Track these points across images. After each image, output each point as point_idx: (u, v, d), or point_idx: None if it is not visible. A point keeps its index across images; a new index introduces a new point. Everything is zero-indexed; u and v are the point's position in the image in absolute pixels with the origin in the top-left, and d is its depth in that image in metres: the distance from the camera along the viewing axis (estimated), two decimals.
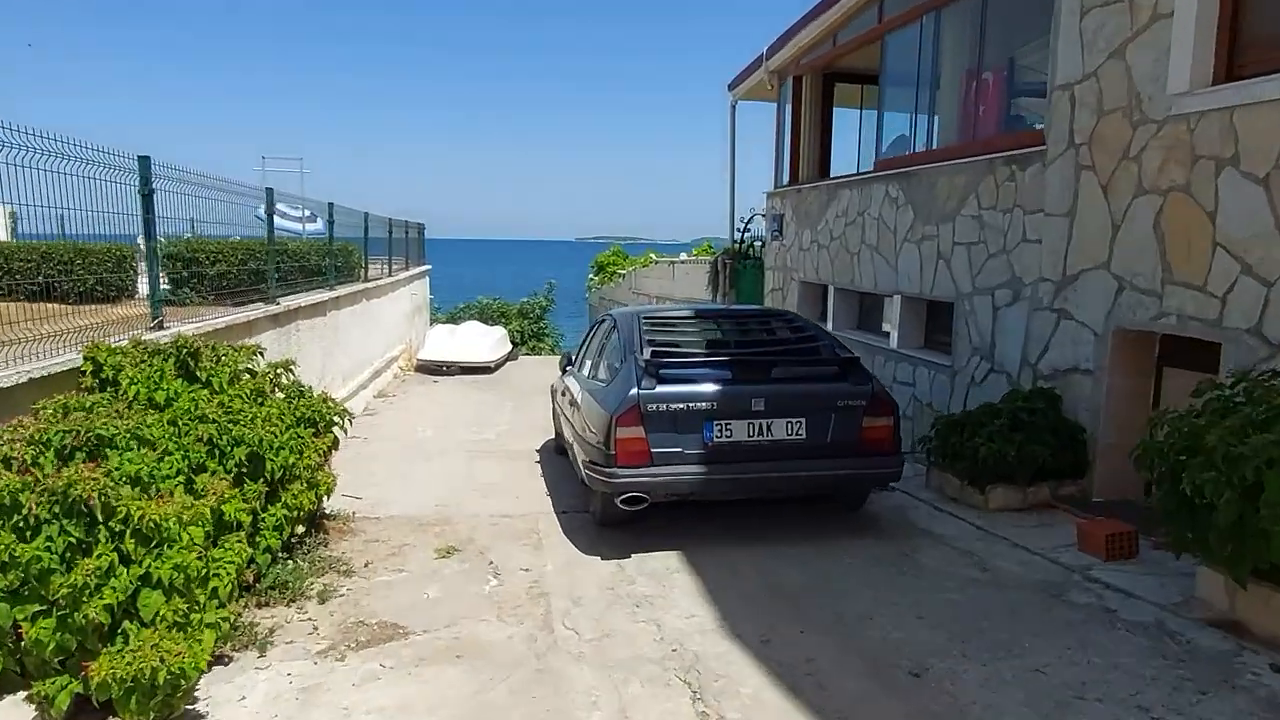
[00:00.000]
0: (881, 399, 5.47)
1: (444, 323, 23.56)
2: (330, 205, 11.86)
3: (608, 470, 5.06)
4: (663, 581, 5.01)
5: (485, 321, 24.05)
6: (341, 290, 11.86)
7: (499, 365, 16.56)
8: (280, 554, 4.98)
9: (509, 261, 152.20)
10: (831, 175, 10.34)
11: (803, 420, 5.17)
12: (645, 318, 6.06)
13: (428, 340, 16.37)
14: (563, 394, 7.52)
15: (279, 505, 4.76)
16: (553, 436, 9.50)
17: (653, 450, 5.01)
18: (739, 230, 13.25)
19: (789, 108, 11.16)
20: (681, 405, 5.02)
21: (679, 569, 5.19)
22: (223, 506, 3.99)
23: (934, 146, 7.97)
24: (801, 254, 10.65)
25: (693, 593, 4.85)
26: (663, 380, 5.11)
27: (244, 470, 4.48)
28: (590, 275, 25.65)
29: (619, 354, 5.74)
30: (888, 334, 8.60)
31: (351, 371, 12.12)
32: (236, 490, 4.30)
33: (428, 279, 23.27)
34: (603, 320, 7.29)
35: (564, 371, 8.07)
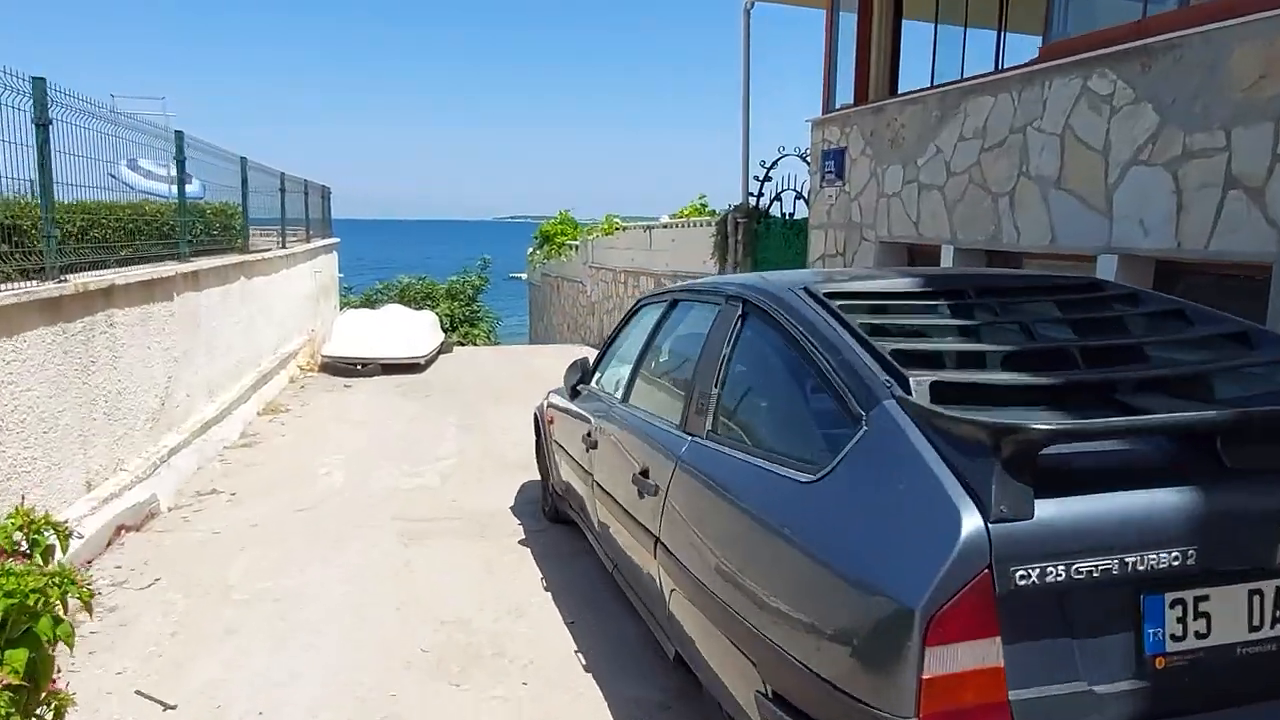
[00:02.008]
0: None
1: (358, 306, 19.59)
2: (178, 135, 8.03)
3: None
4: None
5: (409, 305, 20.16)
6: (202, 263, 8.08)
7: (430, 360, 12.90)
8: None
9: (422, 242, 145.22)
10: (934, 83, 7.06)
11: None
12: (836, 294, 2.62)
13: (337, 330, 12.60)
14: (588, 440, 4.14)
15: None
16: (535, 479, 6.12)
17: (1013, 700, 1.67)
18: (759, 178, 9.91)
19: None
20: (1094, 565, 1.69)
21: None
22: None
23: None
24: (883, 202, 7.37)
25: None
26: (1054, 486, 1.76)
27: None
28: (531, 250, 21.98)
29: (838, 394, 2.15)
30: None
31: (222, 381, 8.36)
32: None
33: (336, 255, 19.29)
34: (674, 301, 3.90)
35: (574, 393, 4.66)
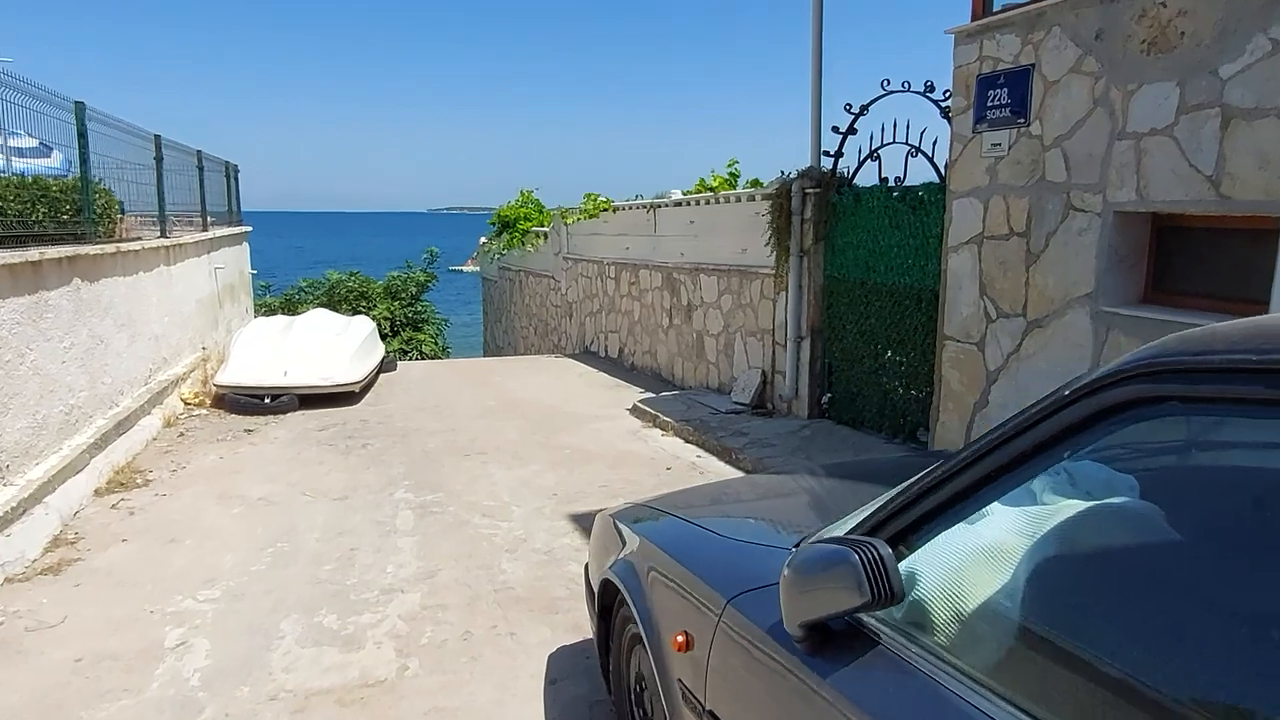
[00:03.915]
0: None
1: (269, 313, 16.01)
2: None
3: None
4: None
5: (337, 308, 16.68)
6: None
7: (367, 386, 9.64)
8: None
9: (349, 236, 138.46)
10: None
11: None
12: None
13: (238, 348, 9.26)
14: None
15: None
16: (572, 637, 3.11)
17: None
18: (840, 130, 6.96)
19: None
20: None
21: None
22: None
23: None
24: (1125, 146, 4.47)
25: None
26: None
27: None
28: (485, 240, 18.64)
29: None
30: None
31: (34, 444, 5.10)
32: None
33: (246, 247, 15.78)
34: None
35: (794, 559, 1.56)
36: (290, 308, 16.95)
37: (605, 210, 11.77)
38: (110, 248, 7.42)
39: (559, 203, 14.20)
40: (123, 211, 9.70)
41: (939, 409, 5.92)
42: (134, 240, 8.22)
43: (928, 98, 6.13)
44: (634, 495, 5.85)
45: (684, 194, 9.88)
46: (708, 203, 9.13)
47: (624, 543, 2.67)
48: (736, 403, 8.15)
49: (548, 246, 14.42)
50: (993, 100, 5.33)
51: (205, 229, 11.98)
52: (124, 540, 4.96)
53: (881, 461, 4.87)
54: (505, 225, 15.91)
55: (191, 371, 9.48)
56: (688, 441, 7.32)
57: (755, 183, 8.44)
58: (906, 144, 6.42)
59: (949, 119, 5.87)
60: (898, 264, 6.47)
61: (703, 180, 9.55)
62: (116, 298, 7.54)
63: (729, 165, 9.14)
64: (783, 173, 7.69)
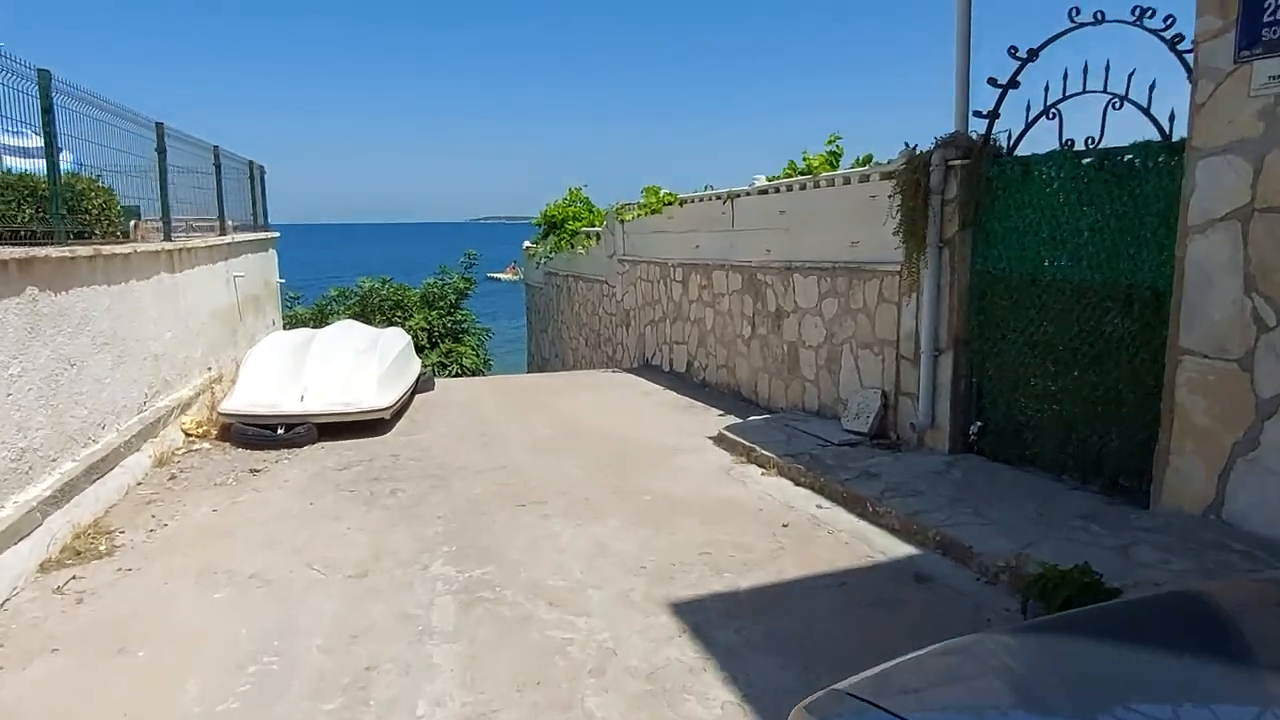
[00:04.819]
0: None
1: (298, 325, 14.69)
2: None
3: None
4: None
5: (371, 318, 15.37)
6: None
7: (399, 411, 8.23)
8: None
9: (387, 246, 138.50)
10: None
11: None
12: None
13: (249, 367, 7.92)
14: None
15: None
16: None
17: None
18: (998, 84, 5.38)
19: None
20: None
21: None
22: None
23: None
24: None
25: None
26: None
27: None
28: (529, 243, 17.24)
29: None
30: None
31: None
32: None
33: (274, 254, 14.56)
34: None
35: None
36: (321, 319, 15.71)
37: (670, 204, 10.26)
38: (85, 250, 6.10)
39: (608, 203, 12.74)
40: (137, 215, 8.46)
41: (1170, 450, 4.31)
42: (119, 243, 6.91)
43: (1142, 27, 4.51)
44: (751, 568, 4.31)
45: (768, 179, 8.33)
46: (803, 188, 7.57)
47: None
48: (850, 431, 6.57)
49: (600, 248, 12.95)
50: (1273, 12, 3.71)
51: (223, 233, 10.74)
52: (54, 650, 3.55)
53: (1238, 589, 2.70)
54: (552, 226, 14.48)
55: (200, 395, 8.17)
56: (798, 484, 5.76)
57: (866, 159, 6.87)
58: (1106, 92, 4.79)
59: (1179, 54, 4.26)
60: (1091, 253, 4.85)
61: (792, 163, 8.01)
62: (95, 310, 6.22)
63: (829, 142, 7.58)
64: (907, 145, 6.11)
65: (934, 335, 5.92)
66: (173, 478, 6.23)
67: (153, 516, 5.36)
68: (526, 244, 17.29)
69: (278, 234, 14.54)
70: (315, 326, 12.86)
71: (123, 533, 5.05)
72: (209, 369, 8.58)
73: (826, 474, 5.63)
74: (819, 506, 5.32)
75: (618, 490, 5.76)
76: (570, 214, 14.20)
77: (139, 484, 6.04)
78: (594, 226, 13.50)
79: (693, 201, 9.74)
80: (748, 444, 6.52)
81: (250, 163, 13.31)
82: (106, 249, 6.40)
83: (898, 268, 6.24)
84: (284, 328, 14.14)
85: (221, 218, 10.91)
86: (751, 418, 7.51)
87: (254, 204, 13.47)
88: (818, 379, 7.42)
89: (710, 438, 7.13)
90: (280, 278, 14.77)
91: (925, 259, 5.86)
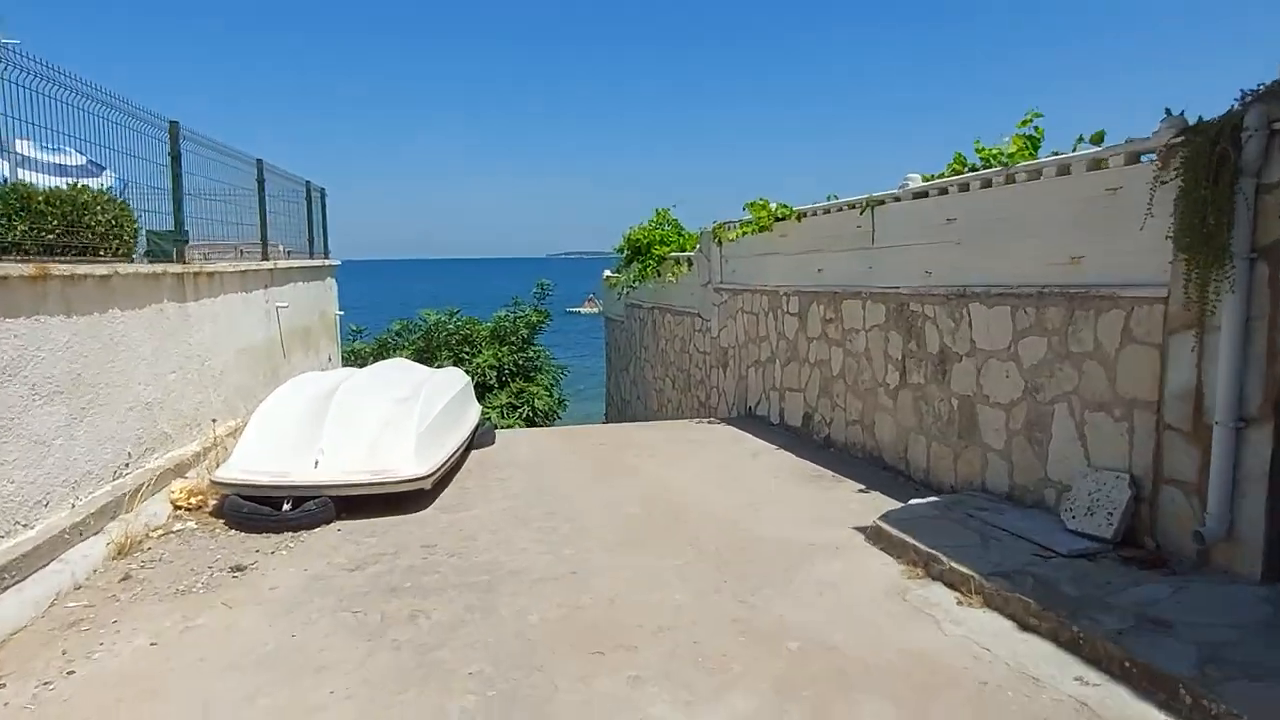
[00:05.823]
0: None
1: (354, 363, 13.15)
2: None
3: None
4: None
5: (435, 355, 13.80)
6: None
7: (447, 475, 6.45)
8: None
9: (458, 279, 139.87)
10: None
11: None
12: None
13: (255, 421, 6.23)
14: None
15: None
16: None
17: None
18: None
19: None
20: None
21: None
22: None
23: None
24: None
25: None
26: None
27: None
28: (610, 272, 15.53)
29: None
30: None
31: None
32: None
33: (333, 284, 13.21)
34: None
35: None
36: (382, 355, 14.24)
37: (783, 219, 8.33)
38: (27, 269, 4.55)
39: (700, 225, 10.89)
40: (185, 240, 7.05)
41: None
42: (93, 261, 5.36)
43: None
44: None
45: (925, 179, 6.32)
46: (985, 185, 5.54)
47: None
48: (1079, 534, 4.46)
49: (692, 276, 11.07)
50: None
51: (265, 257, 9.31)
52: None
53: None
54: (636, 251, 12.69)
55: (207, 451, 6.58)
56: (1026, 628, 3.70)
57: (1099, 137, 4.82)
58: None
59: None
60: None
61: (959, 156, 6.02)
62: (42, 351, 4.66)
63: (1023, 123, 5.52)
64: (1169, 112, 4.06)
65: (1237, 395, 3.80)
66: (125, 578, 4.54)
67: (63, 653, 3.64)
68: (607, 273, 15.56)
69: (338, 262, 13.17)
70: (375, 363, 11.38)
71: (3, 685, 3.34)
72: (232, 418, 7.00)
73: (1078, 617, 3.54)
74: (1082, 682, 3.24)
75: (743, 626, 3.80)
76: (657, 237, 12.39)
77: (76, 588, 4.37)
78: (685, 251, 11.64)
79: (815, 214, 7.77)
80: (925, 549, 4.47)
81: (308, 183, 11.98)
82: (59, 268, 4.84)
83: (1161, 292, 4.16)
84: (341, 365, 12.73)
85: (264, 240, 9.50)
86: (914, 501, 5.44)
87: (310, 227, 12.11)
88: (1009, 449, 5.32)
89: (859, 529, 5.11)
90: (339, 309, 13.40)
91: (1225, 277, 3.76)
